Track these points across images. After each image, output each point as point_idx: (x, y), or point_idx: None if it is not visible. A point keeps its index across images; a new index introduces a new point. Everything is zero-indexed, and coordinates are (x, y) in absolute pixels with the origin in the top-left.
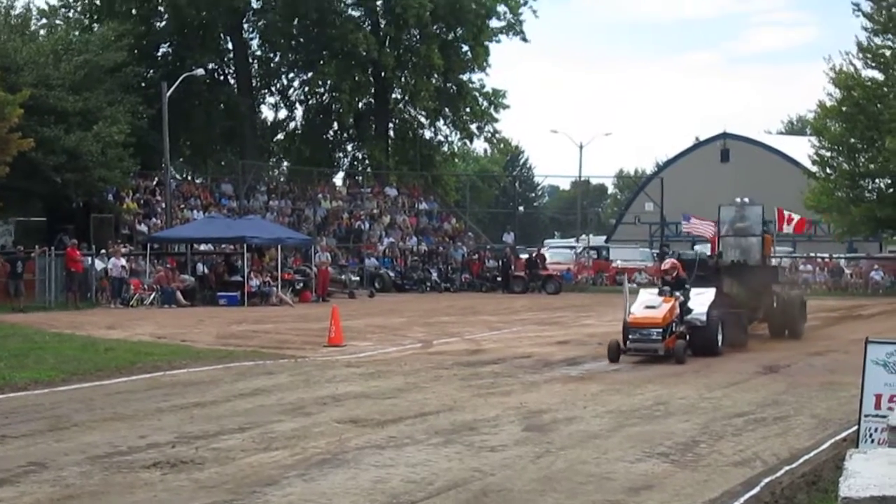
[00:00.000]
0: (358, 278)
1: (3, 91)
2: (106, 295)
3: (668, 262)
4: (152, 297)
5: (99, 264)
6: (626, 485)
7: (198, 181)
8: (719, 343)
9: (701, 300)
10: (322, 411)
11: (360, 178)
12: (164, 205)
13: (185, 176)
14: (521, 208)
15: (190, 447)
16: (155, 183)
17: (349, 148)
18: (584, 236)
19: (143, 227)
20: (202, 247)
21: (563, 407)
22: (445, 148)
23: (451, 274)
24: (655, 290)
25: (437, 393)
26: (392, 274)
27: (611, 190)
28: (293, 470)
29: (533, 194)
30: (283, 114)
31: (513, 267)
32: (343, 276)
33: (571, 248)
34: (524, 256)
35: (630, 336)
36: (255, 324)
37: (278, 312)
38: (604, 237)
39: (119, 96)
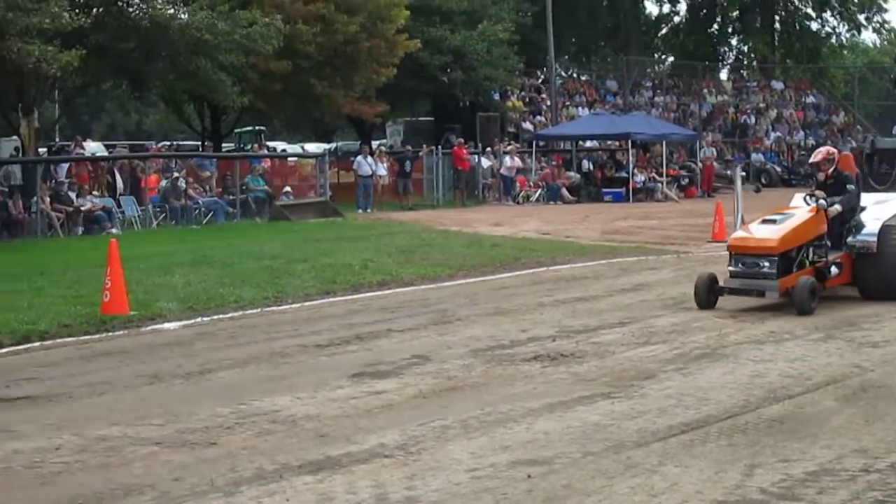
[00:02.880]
0: (744, 173)
1: None
2: (493, 192)
3: (819, 152)
4: (538, 193)
5: (485, 162)
6: None
7: (582, 78)
8: None
9: (878, 212)
10: None
11: (746, 71)
12: (548, 102)
13: (569, 73)
14: None
15: (570, 341)
16: (540, 81)
17: (734, 41)
18: None
19: (528, 125)
20: (587, 143)
21: None
22: (833, 40)
23: None
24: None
25: None
26: (779, 168)
27: None
28: (671, 364)
29: None
30: (666, 8)
31: None
32: (728, 172)
33: None
34: None
35: (730, 267)
36: (639, 219)
37: (663, 208)
38: None
39: None
